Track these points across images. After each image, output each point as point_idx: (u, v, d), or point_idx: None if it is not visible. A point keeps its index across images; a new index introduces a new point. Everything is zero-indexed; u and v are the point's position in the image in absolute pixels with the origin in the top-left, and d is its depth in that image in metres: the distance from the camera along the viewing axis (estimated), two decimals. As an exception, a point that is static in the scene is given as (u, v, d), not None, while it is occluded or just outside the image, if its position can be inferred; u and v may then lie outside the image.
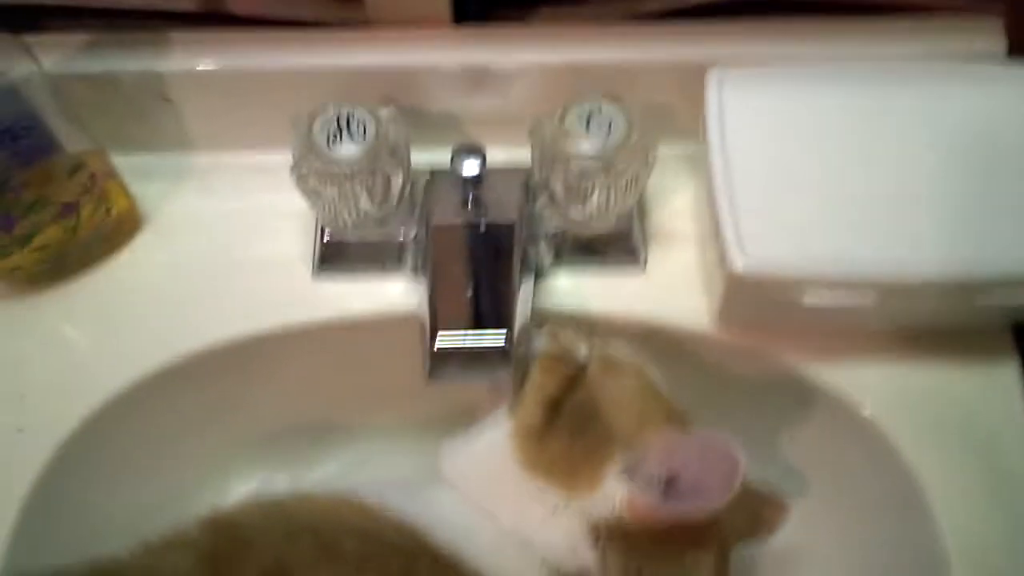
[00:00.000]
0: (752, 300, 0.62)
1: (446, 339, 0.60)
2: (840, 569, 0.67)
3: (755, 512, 0.61)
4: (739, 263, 0.59)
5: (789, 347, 0.66)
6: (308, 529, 0.53)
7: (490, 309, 0.61)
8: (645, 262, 0.69)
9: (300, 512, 0.54)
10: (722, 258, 0.59)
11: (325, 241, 0.68)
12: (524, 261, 0.64)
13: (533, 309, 0.64)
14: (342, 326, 0.68)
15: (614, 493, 0.55)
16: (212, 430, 0.71)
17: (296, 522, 0.53)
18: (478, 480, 0.58)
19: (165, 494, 0.68)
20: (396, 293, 0.68)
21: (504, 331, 0.60)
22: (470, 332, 0.60)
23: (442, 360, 0.60)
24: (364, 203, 0.63)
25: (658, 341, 0.65)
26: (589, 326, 0.65)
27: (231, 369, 0.67)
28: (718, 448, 0.52)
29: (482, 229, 0.62)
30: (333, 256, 0.68)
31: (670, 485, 0.54)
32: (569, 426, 0.57)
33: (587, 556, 0.55)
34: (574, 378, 0.59)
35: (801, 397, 0.67)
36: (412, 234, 0.67)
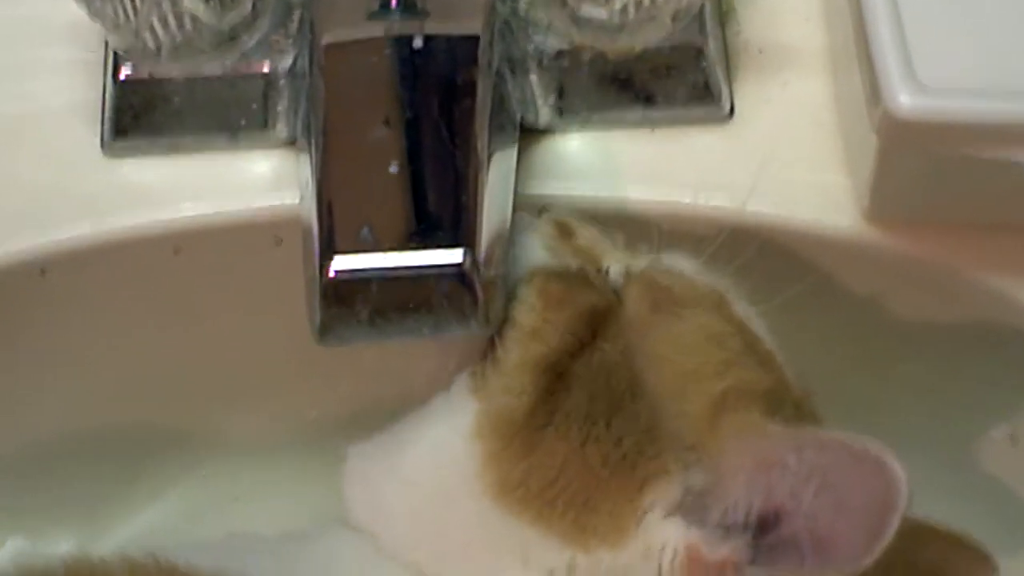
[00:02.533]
0: (929, 168, 0.61)
1: (351, 264, 0.57)
2: None
3: (928, 574, 0.62)
4: (904, 100, 0.57)
5: (994, 256, 0.67)
6: None
7: (435, 204, 0.58)
8: (731, 108, 0.68)
9: None
10: (873, 93, 0.58)
11: (122, 81, 0.65)
12: (499, 109, 0.62)
13: (517, 201, 0.62)
14: (157, 245, 0.67)
15: (660, 544, 0.55)
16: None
17: None
18: (410, 521, 0.58)
19: None
20: (258, 179, 0.67)
21: (459, 245, 0.57)
22: (397, 249, 0.57)
23: (343, 303, 0.57)
24: (188, 1, 0.60)
25: (759, 252, 0.64)
26: (624, 228, 0.65)
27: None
28: (859, 460, 0.51)
29: (418, 47, 0.60)
30: (138, 112, 0.66)
31: (767, 529, 0.53)
32: (585, 416, 0.57)
33: None
34: (597, 320, 0.58)
35: (1018, 342, 0.68)
36: (287, 64, 0.65)
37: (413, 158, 0.59)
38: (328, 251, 0.57)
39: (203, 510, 0.78)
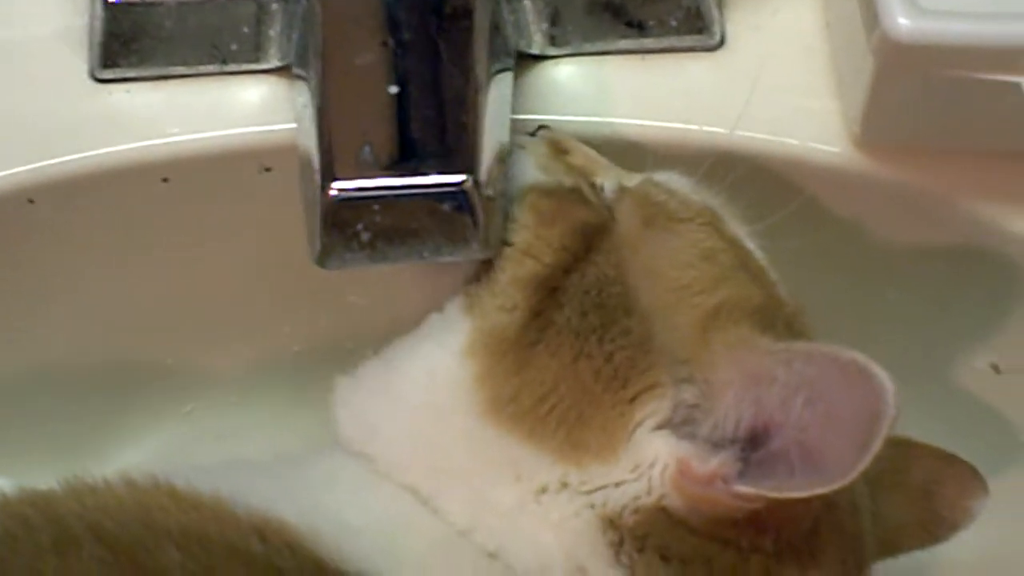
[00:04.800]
0: (923, 92, 0.62)
1: (353, 186, 0.56)
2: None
3: (921, 495, 0.63)
4: (903, 23, 0.58)
5: (982, 184, 0.67)
6: (93, 534, 0.52)
7: (435, 126, 0.58)
8: (721, 36, 0.68)
9: (81, 511, 0.54)
10: (869, 17, 0.58)
11: (112, 4, 0.64)
12: (495, 36, 0.61)
13: (512, 126, 0.62)
14: (146, 173, 0.66)
15: (651, 459, 0.54)
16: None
17: (72, 526, 0.53)
18: (402, 439, 0.58)
19: None
20: (248, 106, 0.67)
21: (460, 167, 0.57)
22: (398, 171, 0.57)
23: (344, 226, 0.57)
24: None
25: (748, 177, 0.64)
26: (616, 153, 0.65)
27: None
28: (847, 372, 0.50)
29: None
30: (127, 38, 0.65)
31: (757, 443, 0.53)
32: (576, 332, 0.56)
33: (602, 574, 0.54)
34: (590, 236, 0.58)
35: (1004, 270, 0.69)
36: None
37: (412, 80, 0.58)
38: (329, 173, 0.57)
39: (188, 448, 0.77)
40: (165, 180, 0.67)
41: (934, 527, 0.63)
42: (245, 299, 0.74)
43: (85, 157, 0.66)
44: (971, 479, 0.63)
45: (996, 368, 0.73)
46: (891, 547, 0.62)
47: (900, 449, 0.63)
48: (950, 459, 0.63)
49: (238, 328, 0.76)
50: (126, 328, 0.74)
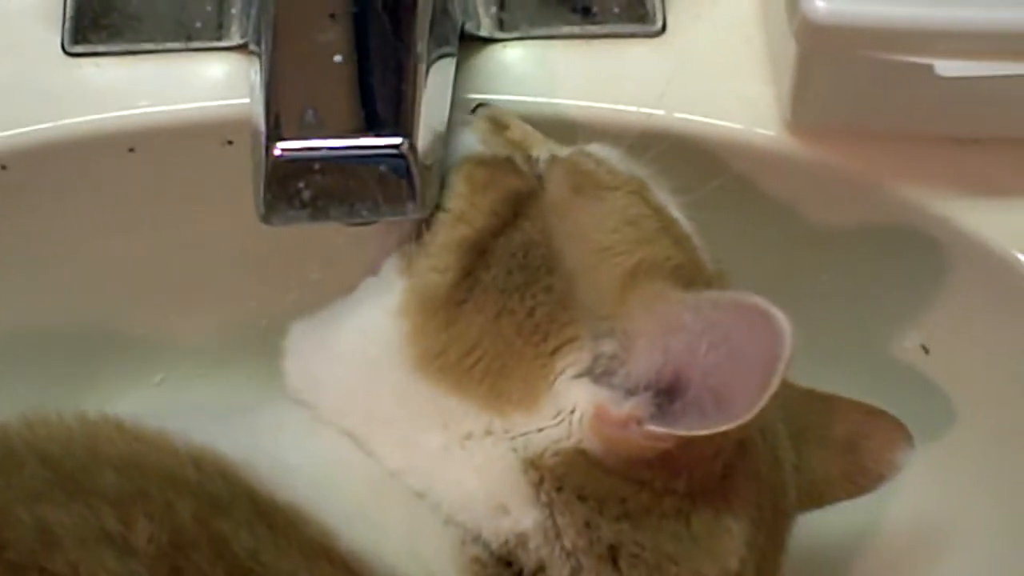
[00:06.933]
0: (844, 75, 0.63)
1: (296, 146, 0.58)
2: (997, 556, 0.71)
3: (847, 448, 0.64)
4: (819, 5, 0.60)
5: (910, 166, 0.68)
6: (38, 457, 0.54)
7: (377, 94, 0.59)
8: (663, 21, 0.70)
9: (31, 438, 0.56)
10: (792, 2, 0.61)
11: None
12: (441, 14, 0.63)
13: (455, 101, 0.64)
14: (113, 143, 0.68)
15: (570, 406, 0.56)
16: None
17: (19, 450, 0.55)
18: (341, 390, 0.59)
19: None
20: (210, 81, 0.68)
21: (398, 132, 0.58)
22: (339, 134, 0.58)
23: (287, 184, 0.58)
24: None
25: (685, 158, 0.66)
26: (558, 133, 0.66)
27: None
28: (748, 315, 0.51)
29: None
30: (97, 14, 0.67)
31: (670, 391, 0.54)
32: (501, 290, 0.58)
33: (523, 515, 0.56)
34: (520, 202, 0.60)
35: (932, 252, 0.69)
36: None
37: (357, 51, 0.59)
38: (274, 135, 0.58)
39: (157, 418, 0.77)
40: (131, 150, 0.69)
41: (860, 479, 0.64)
42: (211, 271, 0.75)
43: (56, 126, 0.68)
44: (896, 432, 0.64)
45: (925, 348, 0.74)
46: (817, 498, 0.63)
47: (826, 403, 0.65)
48: (876, 413, 0.64)
49: (206, 300, 0.77)
50: (95, 296, 0.75)
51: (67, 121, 0.68)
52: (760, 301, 0.51)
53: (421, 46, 0.60)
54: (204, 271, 0.75)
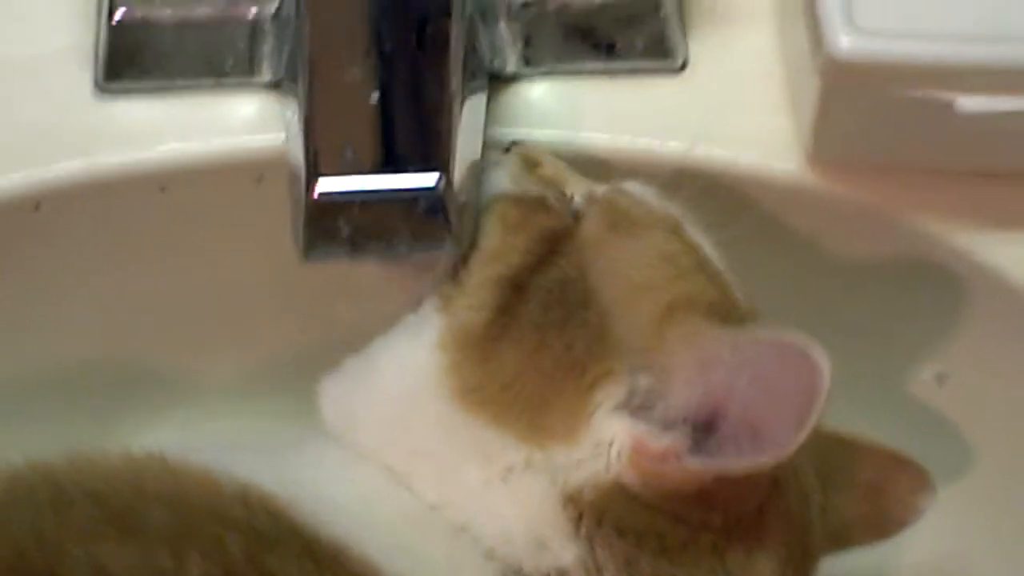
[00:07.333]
0: (866, 110, 0.63)
1: (334, 185, 0.59)
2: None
3: (871, 492, 0.64)
4: (843, 42, 0.60)
5: (929, 200, 0.68)
6: (87, 495, 0.54)
7: (412, 132, 0.61)
8: (685, 59, 0.70)
9: (78, 477, 0.56)
10: (815, 38, 0.61)
11: (116, 23, 0.66)
12: (471, 55, 0.63)
13: (487, 139, 0.64)
14: (145, 183, 0.68)
15: (608, 439, 0.56)
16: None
17: (69, 489, 0.55)
18: (380, 425, 0.60)
19: None
20: (242, 120, 0.68)
21: (434, 170, 0.59)
22: (377, 172, 0.60)
23: (326, 222, 0.59)
24: None
25: (708, 191, 0.66)
26: (584, 169, 0.66)
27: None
28: (785, 352, 0.52)
29: None
30: (130, 54, 0.67)
31: (706, 426, 0.54)
32: (538, 325, 0.58)
33: (563, 550, 0.56)
34: (555, 240, 0.60)
35: (950, 285, 0.69)
36: (272, 9, 0.66)
37: (392, 90, 0.60)
38: (313, 174, 0.59)
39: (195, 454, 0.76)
40: (163, 189, 0.69)
41: (883, 523, 0.64)
42: (238, 307, 0.75)
43: (89, 165, 0.68)
44: (919, 478, 0.64)
45: (941, 379, 0.74)
46: (841, 541, 0.63)
47: (851, 448, 0.65)
48: (899, 459, 0.65)
49: (232, 336, 0.77)
50: (123, 333, 0.75)
51: (99, 160, 0.68)
52: (798, 338, 0.52)
53: (455, 83, 0.61)
54: (231, 307, 0.75)
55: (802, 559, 0.60)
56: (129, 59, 0.68)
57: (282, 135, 0.67)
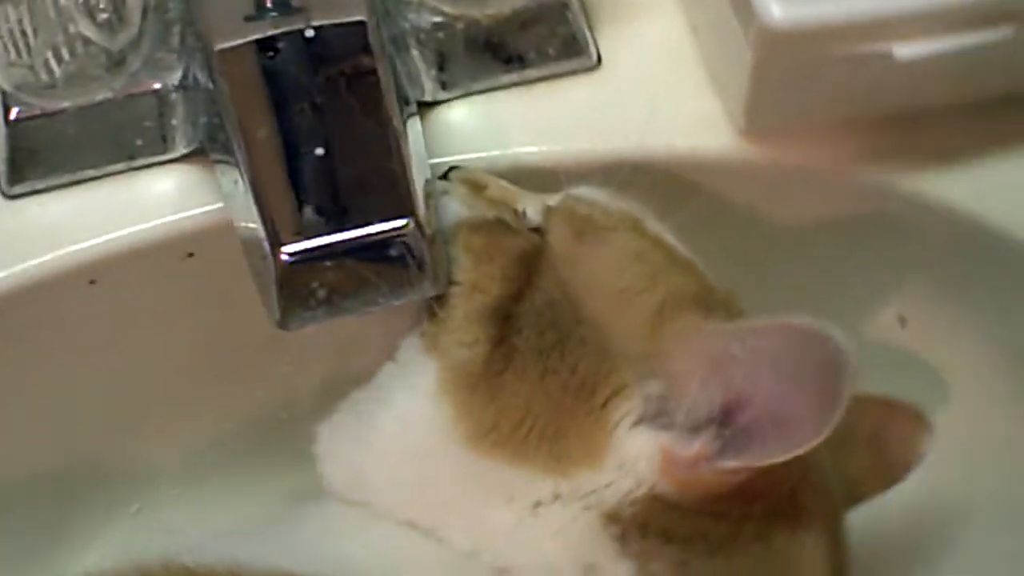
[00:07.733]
0: (801, 75, 0.64)
1: (302, 247, 0.58)
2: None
3: (872, 443, 0.64)
4: (776, 12, 0.60)
5: (868, 151, 0.68)
6: None
7: (368, 178, 0.59)
8: (597, 54, 0.70)
9: None
10: (743, 13, 0.61)
11: (13, 120, 0.64)
12: (400, 85, 0.63)
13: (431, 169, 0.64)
14: (72, 279, 0.66)
15: (634, 454, 0.56)
16: None
17: None
18: (393, 482, 0.59)
19: None
20: (161, 196, 0.67)
21: (400, 212, 0.58)
22: (342, 226, 0.58)
23: (299, 286, 0.58)
24: (83, 26, 0.61)
25: (649, 182, 0.65)
26: (521, 182, 0.66)
27: None
28: (803, 338, 0.52)
29: (311, 37, 0.58)
30: (34, 150, 0.65)
31: (729, 419, 0.54)
32: (538, 352, 0.58)
33: (615, 570, 0.56)
34: (528, 261, 0.60)
35: (905, 231, 0.70)
36: (175, 79, 0.65)
37: (334, 139, 0.59)
38: (276, 240, 0.58)
39: (140, 546, 0.72)
40: (92, 282, 0.67)
41: (889, 471, 0.65)
42: (178, 386, 0.73)
43: (9, 274, 0.66)
44: (916, 419, 0.65)
45: (902, 320, 0.75)
46: (854, 497, 0.64)
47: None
48: (893, 404, 0.65)
49: (174, 416, 0.75)
50: (67, 434, 0.73)
51: (20, 267, 0.66)
52: (814, 323, 0.52)
53: (396, 119, 0.60)
54: (171, 387, 0.74)
55: (836, 526, 0.61)
56: (32, 157, 0.66)
57: (207, 207, 0.66)
